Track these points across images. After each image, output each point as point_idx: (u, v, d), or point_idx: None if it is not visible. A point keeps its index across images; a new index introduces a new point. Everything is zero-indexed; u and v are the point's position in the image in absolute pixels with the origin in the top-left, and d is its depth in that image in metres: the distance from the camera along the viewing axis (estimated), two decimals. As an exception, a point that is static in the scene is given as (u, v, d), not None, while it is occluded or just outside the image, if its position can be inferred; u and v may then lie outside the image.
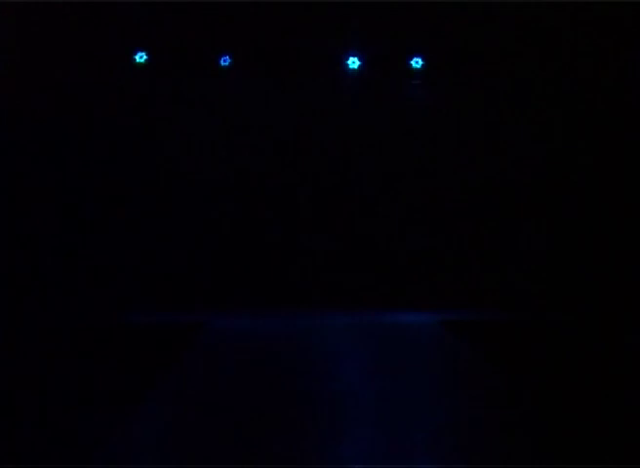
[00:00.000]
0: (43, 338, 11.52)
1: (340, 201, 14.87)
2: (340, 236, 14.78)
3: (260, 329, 12.69)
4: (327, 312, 13.98)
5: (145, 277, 14.50)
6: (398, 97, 14.88)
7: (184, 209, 14.73)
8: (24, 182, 14.00)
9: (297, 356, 10.46)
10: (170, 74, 14.59)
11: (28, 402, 8.08)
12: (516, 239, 14.58)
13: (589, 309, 13.57)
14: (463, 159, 14.80)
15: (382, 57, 14.71)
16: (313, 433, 6.93)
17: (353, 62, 14.71)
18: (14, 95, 13.90)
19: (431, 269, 14.76)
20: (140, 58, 14.58)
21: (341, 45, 14.60)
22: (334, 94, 14.85)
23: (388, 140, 14.89)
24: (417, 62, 14.70)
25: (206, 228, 14.74)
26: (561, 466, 5.69)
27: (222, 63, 14.63)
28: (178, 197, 14.74)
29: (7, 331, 11.93)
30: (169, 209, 14.72)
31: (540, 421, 7.20)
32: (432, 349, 11.27)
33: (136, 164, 14.57)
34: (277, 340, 11.71)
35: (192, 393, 8.47)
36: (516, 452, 6.23)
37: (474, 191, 14.76)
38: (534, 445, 6.44)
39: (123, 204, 14.43)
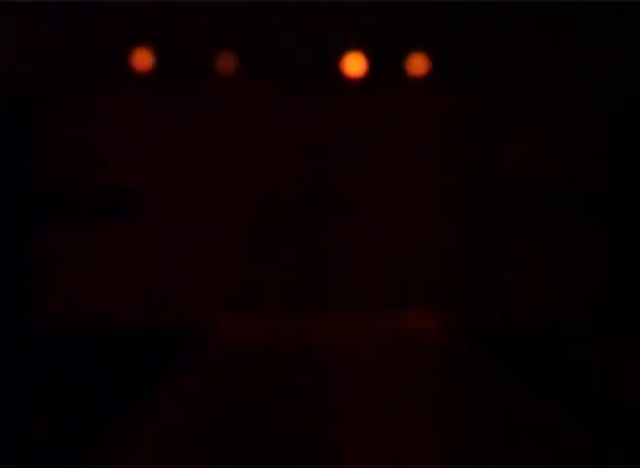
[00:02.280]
0: (42, 340, 11.48)
1: (341, 202, 14.73)
2: (342, 237, 14.72)
3: (262, 329, 12.64)
4: (326, 312, 13.94)
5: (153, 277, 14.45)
6: (399, 99, 14.82)
7: (189, 212, 14.69)
8: (22, 184, 13.95)
9: (297, 356, 10.44)
10: (171, 78, 14.56)
11: (25, 404, 7.93)
12: (516, 241, 14.46)
13: (590, 310, 13.53)
14: (465, 163, 14.70)
15: (384, 58, 14.65)
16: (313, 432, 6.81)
17: (353, 65, 14.65)
18: (12, 97, 13.89)
19: (433, 271, 14.67)
20: (144, 62, 14.52)
21: (342, 47, 14.56)
22: (335, 96, 14.77)
23: (389, 144, 14.79)
24: (417, 66, 14.65)
25: (211, 232, 14.71)
26: (562, 466, 5.60)
27: (224, 68, 14.56)
28: (183, 201, 14.71)
29: (3, 332, 11.89)
30: (173, 211, 14.70)
31: (541, 421, 7.09)
32: (432, 351, 11.18)
33: (138, 167, 14.45)
34: (276, 343, 11.64)
35: (194, 396, 8.35)
36: (517, 453, 6.12)
37: (474, 193, 14.68)
38: (534, 445, 6.31)
39: (129, 206, 14.35)
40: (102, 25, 14.20)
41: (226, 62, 14.42)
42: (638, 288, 13.67)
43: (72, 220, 14.18)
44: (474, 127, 14.77)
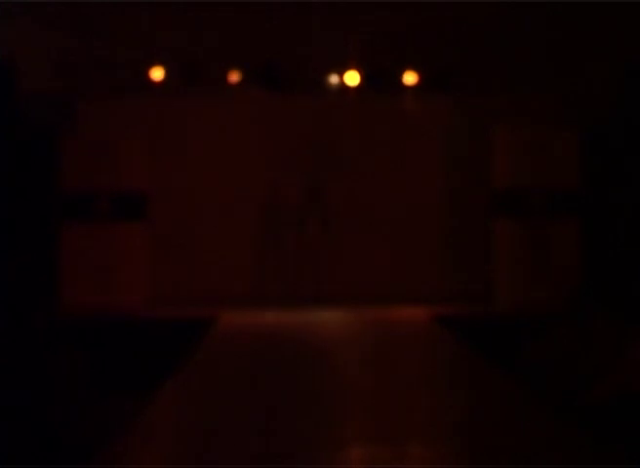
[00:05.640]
0: (49, 330, 11.42)
1: (339, 204, 14.89)
2: (341, 236, 14.83)
3: (262, 323, 12.68)
4: (322, 308, 14.02)
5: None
6: (395, 111, 14.91)
7: (197, 214, 14.79)
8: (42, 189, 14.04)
9: (295, 353, 10.28)
10: (183, 89, 14.64)
11: (28, 399, 7.76)
12: (503, 240, 14.53)
13: (584, 303, 13.53)
14: (457, 168, 14.84)
15: (379, 72, 14.73)
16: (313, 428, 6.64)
17: (352, 78, 14.74)
18: (25, 108, 13.94)
19: (426, 264, 14.79)
20: (156, 73, 14.63)
21: (341, 61, 14.66)
22: (334, 108, 14.88)
23: (385, 152, 14.88)
24: (412, 78, 14.75)
25: (216, 233, 14.81)
26: (562, 466, 5.53)
27: (232, 82, 14.63)
28: (192, 205, 14.80)
29: (14, 320, 11.84)
30: (182, 214, 14.79)
31: (539, 420, 6.92)
32: (427, 345, 11.15)
33: (151, 173, 14.53)
34: (275, 335, 11.65)
35: (200, 391, 8.19)
36: (515, 452, 5.96)
37: (471, 194, 14.82)
38: (533, 444, 6.18)
39: (143, 209, 14.38)
40: (119, 42, 14.33)
41: (234, 76, 14.52)
42: (616, 280, 13.83)
43: (89, 222, 14.24)
44: (465, 132, 14.92)
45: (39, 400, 7.82)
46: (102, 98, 14.51)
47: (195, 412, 7.22)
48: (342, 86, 14.69)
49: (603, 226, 14.29)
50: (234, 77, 14.61)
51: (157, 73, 14.53)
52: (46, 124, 14.02)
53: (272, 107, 14.81)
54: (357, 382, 8.41)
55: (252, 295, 14.67)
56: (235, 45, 14.49)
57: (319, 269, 14.78)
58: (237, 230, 14.77)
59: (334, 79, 14.72)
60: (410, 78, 14.68)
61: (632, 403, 7.37)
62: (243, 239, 14.80)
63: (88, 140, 14.18)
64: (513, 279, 14.33)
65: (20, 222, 13.69)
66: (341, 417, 6.94)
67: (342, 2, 14.35)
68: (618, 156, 14.25)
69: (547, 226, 14.38)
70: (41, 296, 13.24)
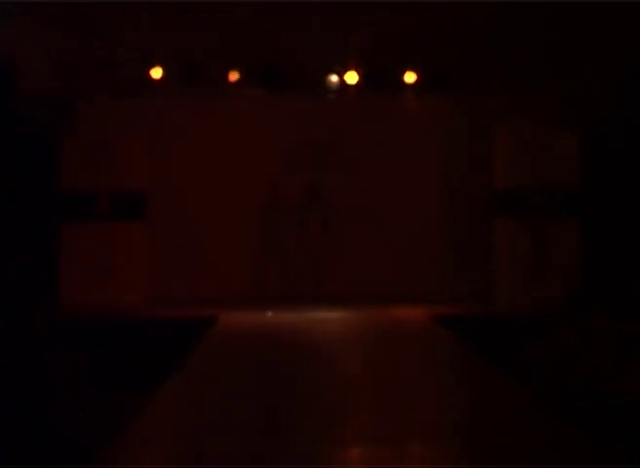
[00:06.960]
0: (49, 330, 11.43)
1: (339, 204, 14.89)
2: (341, 236, 14.85)
3: (262, 323, 12.69)
4: (322, 308, 13.97)
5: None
6: (395, 111, 14.96)
7: (195, 214, 14.83)
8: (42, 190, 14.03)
9: (295, 353, 10.24)
10: (182, 89, 14.67)
11: (28, 399, 7.80)
12: (508, 236, 14.56)
13: (584, 303, 13.56)
14: (459, 168, 14.85)
15: (379, 72, 14.76)
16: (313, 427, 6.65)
17: (352, 77, 14.77)
18: (25, 108, 13.95)
19: (426, 264, 14.82)
20: (156, 73, 14.65)
21: (341, 61, 14.69)
22: (334, 108, 14.91)
23: (385, 152, 14.91)
24: (412, 77, 14.78)
25: (217, 231, 14.84)
26: (562, 466, 5.49)
27: (231, 81, 14.66)
28: (190, 205, 14.83)
29: (14, 320, 11.86)
30: (181, 214, 14.83)
31: (538, 419, 6.92)
32: (427, 345, 11.12)
33: (150, 172, 14.54)
34: (275, 335, 11.63)
35: (200, 391, 8.19)
36: (515, 452, 5.94)
37: (470, 194, 14.84)
38: (533, 444, 6.16)
39: (142, 209, 14.40)
40: (119, 42, 14.37)
41: (234, 76, 14.56)
42: (616, 280, 13.86)
43: (89, 222, 14.26)
44: (465, 132, 14.95)
45: (39, 400, 7.82)
46: (102, 98, 14.55)
47: (195, 412, 7.26)
48: (342, 85, 14.73)
49: (603, 226, 14.30)
50: (234, 77, 14.66)
51: (157, 73, 14.58)
52: (46, 124, 14.03)
53: (272, 107, 14.85)
54: (357, 382, 8.45)
55: (252, 295, 14.71)
56: (235, 45, 14.52)
57: (319, 269, 14.80)
58: (237, 230, 14.80)
59: (334, 79, 14.76)
60: (410, 78, 14.74)
61: (632, 403, 7.36)
62: (243, 239, 14.83)
63: (88, 140, 14.20)
64: (513, 279, 14.35)
65: (20, 222, 13.69)
66: (341, 417, 6.97)
67: (342, 2, 14.38)
68: (618, 156, 14.27)
69: (547, 226, 14.39)
70: (41, 296, 13.24)
